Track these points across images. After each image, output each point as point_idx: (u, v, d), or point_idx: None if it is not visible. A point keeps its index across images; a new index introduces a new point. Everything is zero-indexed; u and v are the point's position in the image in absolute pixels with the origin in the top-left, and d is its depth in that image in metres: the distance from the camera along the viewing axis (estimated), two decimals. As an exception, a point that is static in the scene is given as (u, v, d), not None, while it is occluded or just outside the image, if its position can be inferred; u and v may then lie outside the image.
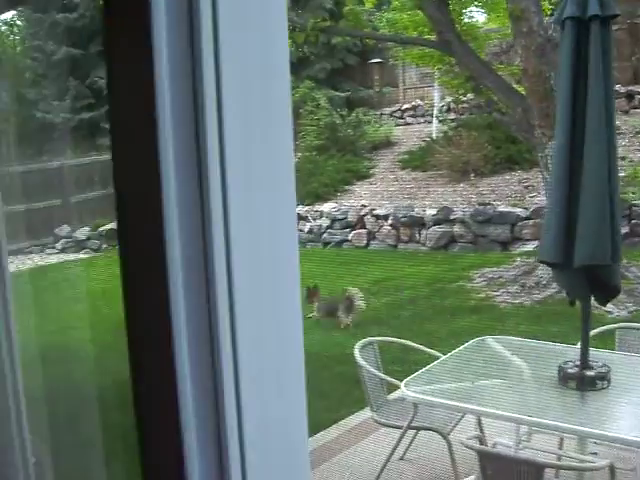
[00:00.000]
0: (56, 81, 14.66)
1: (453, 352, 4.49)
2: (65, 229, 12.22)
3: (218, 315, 0.55)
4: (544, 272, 8.83)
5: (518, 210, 11.21)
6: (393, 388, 4.60)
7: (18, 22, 14.70)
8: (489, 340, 4.62)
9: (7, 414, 1.07)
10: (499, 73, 10.07)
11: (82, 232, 12.04)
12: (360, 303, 8.20)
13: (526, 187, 12.18)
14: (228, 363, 0.55)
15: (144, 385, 0.58)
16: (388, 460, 4.39)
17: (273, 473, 0.60)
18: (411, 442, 4.69)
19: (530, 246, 10.58)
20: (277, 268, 0.59)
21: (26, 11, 13.37)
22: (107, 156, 0.57)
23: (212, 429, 0.56)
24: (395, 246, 12.24)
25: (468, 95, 12.78)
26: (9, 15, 12.78)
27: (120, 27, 0.54)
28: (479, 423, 4.37)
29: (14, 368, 1.03)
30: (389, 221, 12.31)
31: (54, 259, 11.20)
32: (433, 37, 10.37)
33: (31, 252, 10.59)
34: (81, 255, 11.36)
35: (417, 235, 11.99)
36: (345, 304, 8.19)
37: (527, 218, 11.02)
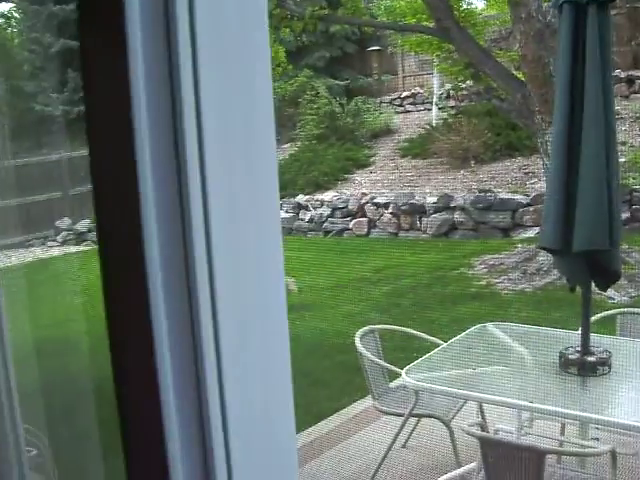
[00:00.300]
0: (54, 73, 14.62)
1: (454, 339, 4.50)
2: (66, 221, 12.22)
3: (200, 313, 0.54)
4: (545, 258, 8.83)
5: (519, 197, 11.19)
6: (394, 376, 4.61)
7: (16, 15, 14.66)
8: (490, 327, 4.62)
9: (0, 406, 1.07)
10: (498, 59, 10.02)
11: (83, 224, 12.03)
12: (293, 287, 8.63)
13: (526, 173, 12.15)
14: (211, 362, 0.55)
15: (125, 384, 0.58)
16: (390, 448, 4.40)
17: (260, 473, 0.59)
18: (413, 430, 4.70)
19: (531, 232, 10.57)
20: (260, 264, 0.59)
21: (23, 3, 13.33)
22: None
23: (196, 429, 0.56)
24: (396, 234, 12.24)
25: (467, 82, 12.75)
26: (6, 7, 12.74)
27: (94, 26, 0.53)
28: (480, 410, 4.38)
29: (6, 363, 1.03)
30: (390, 209, 12.30)
31: (56, 252, 11.20)
32: (431, 24, 10.31)
33: (32, 245, 10.60)
34: (82, 247, 11.37)
35: (418, 223, 11.99)
36: None
37: (528, 205, 11.00)
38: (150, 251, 0.53)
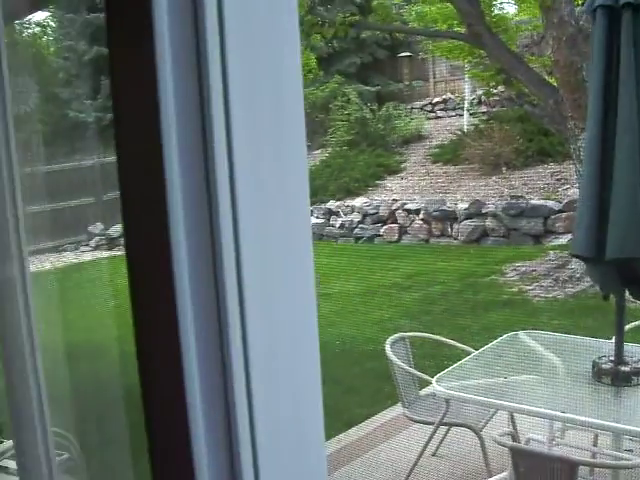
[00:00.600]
0: (88, 80, 14.83)
1: (485, 347, 4.45)
2: (99, 226, 12.35)
3: (228, 315, 0.54)
4: (578, 265, 8.72)
5: (551, 203, 11.08)
6: (425, 384, 4.58)
7: (51, 23, 14.90)
8: (522, 335, 4.57)
9: (30, 407, 1.08)
10: (530, 65, 9.95)
11: (115, 229, 12.14)
12: None
13: (559, 180, 12.03)
14: (239, 364, 0.54)
15: (152, 387, 0.57)
16: (420, 456, 4.37)
17: (288, 478, 0.58)
18: (443, 438, 4.67)
19: (563, 239, 10.46)
20: (290, 267, 0.58)
21: (58, 12, 13.54)
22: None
23: (222, 432, 0.55)
24: (427, 240, 12.19)
25: (499, 88, 12.65)
26: (43, 16, 12.94)
27: (121, 21, 0.53)
28: (512, 419, 4.33)
29: (36, 367, 1.04)
30: (421, 215, 12.26)
31: (88, 256, 11.33)
32: (463, 30, 10.27)
33: (65, 250, 10.73)
34: (114, 252, 11.48)
35: (449, 229, 11.93)
36: None
37: (560, 211, 10.89)
38: (178, 253, 0.53)
